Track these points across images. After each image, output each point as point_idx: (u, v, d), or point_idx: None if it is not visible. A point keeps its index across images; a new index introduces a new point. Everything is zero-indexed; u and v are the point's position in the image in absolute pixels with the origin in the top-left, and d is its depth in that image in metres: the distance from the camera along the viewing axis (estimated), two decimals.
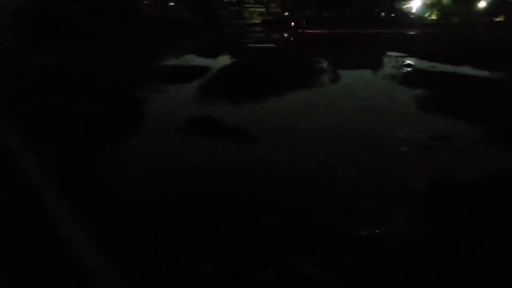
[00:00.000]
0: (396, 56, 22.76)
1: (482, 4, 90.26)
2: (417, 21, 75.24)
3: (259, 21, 68.34)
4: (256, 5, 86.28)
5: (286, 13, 74.53)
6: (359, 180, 5.63)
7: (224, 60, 20.11)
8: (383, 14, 72.35)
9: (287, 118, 9.07)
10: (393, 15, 75.26)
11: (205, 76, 14.68)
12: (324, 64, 19.55)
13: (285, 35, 44.50)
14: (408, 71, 16.82)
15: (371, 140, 7.42)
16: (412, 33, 49.28)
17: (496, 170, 5.98)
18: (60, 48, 20.80)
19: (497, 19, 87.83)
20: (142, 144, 7.51)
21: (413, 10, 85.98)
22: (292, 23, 69.48)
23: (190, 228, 4.54)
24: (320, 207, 4.95)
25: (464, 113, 9.23)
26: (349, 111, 9.67)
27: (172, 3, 63.98)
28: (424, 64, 19.25)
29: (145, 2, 49.54)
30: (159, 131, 8.21)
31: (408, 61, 20.64)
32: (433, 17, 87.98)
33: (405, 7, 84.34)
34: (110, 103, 10.66)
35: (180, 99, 11.00)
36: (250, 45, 30.04)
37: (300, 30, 46.20)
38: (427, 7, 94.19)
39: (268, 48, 27.48)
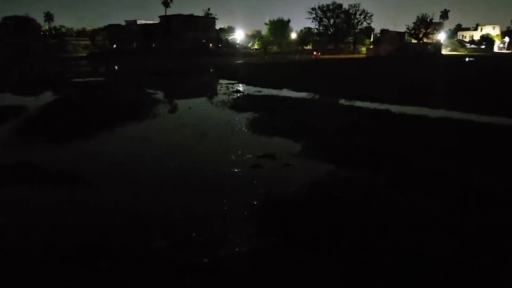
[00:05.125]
0: (227, 83, 24.17)
1: (293, 35, 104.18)
2: (241, 51, 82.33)
3: (84, 54, 64.27)
4: (81, 38, 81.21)
5: (114, 46, 72.31)
6: (197, 210, 5.57)
7: (45, 97, 18.10)
8: (211, 45, 76.74)
9: (117, 155, 8.54)
10: (220, 45, 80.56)
11: (20, 117, 12.88)
12: (159, 95, 19.38)
13: (116, 67, 42.96)
14: (237, 97, 17.91)
15: (205, 167, 7.51)
16: (238, 61, 53.40)
17: (318, 179, 6.67)
18: None
19: (306, 47, 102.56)
20: None
21: (238, 41, 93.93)
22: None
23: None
24: (158, 244, 4.70)
25: (286, 131, 10.17)
26: (183, 141, 9.67)
27: None
28: (251, 89, 20.89)
29: None
30: None
31: (237, 87, 22.11)
32: (256, 46, 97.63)
33: (230, 38, 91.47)
34: None
35: None
36: (75, 79, 27.87)
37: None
38: (249, 38, 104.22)
39: (95, 82, 25.89)
